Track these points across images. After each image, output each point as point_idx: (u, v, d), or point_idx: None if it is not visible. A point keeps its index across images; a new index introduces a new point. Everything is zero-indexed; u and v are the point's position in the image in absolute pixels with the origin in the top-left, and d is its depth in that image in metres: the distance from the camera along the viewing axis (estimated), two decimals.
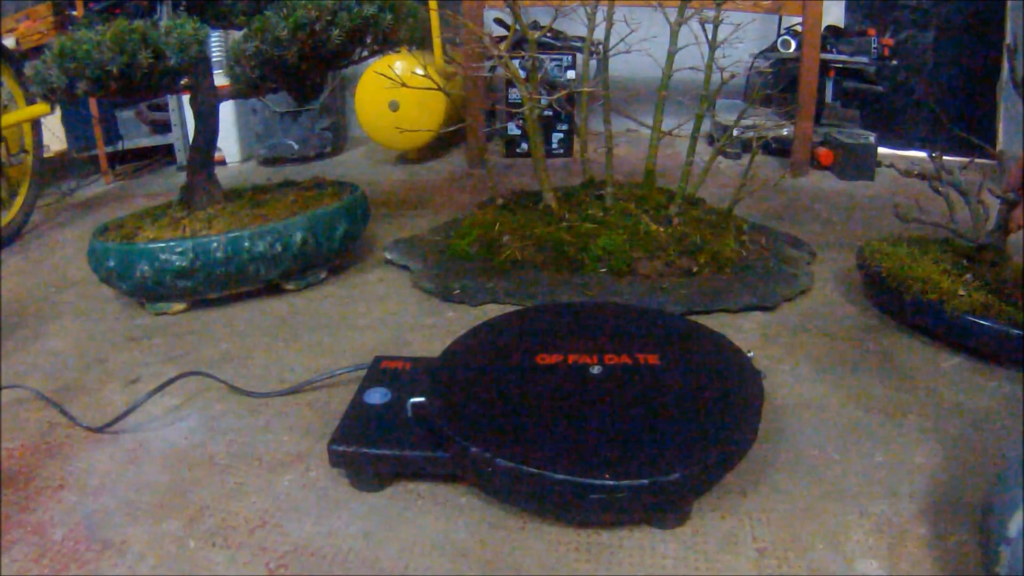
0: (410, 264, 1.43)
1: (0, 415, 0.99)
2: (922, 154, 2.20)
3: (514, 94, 2.24)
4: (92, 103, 2.30)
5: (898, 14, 2.42)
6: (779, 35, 2.34)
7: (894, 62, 2.27)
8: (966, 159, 1.36)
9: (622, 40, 1.41)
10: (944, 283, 1.10)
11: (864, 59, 2.21)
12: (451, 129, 1.97)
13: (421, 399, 0.83)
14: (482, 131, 2.22)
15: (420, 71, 1.50)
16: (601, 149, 1.49)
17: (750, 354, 0.90)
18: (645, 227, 1.36)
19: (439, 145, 2.50)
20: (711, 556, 0.70)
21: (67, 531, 0.77)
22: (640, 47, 1.42)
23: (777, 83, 2.31)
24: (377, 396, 0.87)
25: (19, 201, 1.85)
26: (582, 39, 1.82)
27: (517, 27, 1.41)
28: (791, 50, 2.23)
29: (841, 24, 2.44)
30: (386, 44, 1.37)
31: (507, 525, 0.75)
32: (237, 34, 1.32)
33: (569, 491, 0.70)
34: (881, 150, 2.13)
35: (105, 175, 2.38)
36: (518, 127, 2.30)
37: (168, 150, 2.51)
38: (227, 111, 2.41)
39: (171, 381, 0.99)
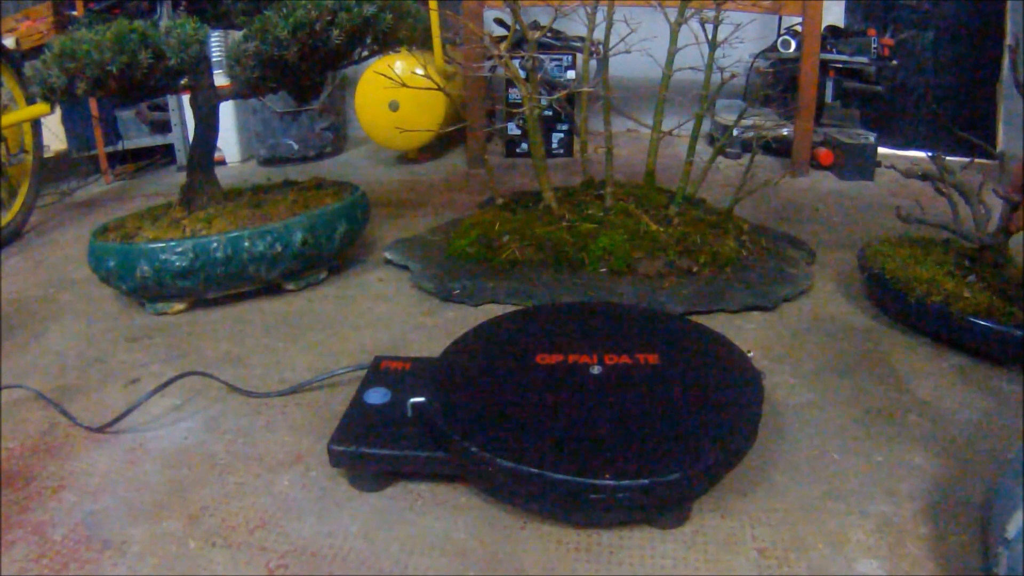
0: (410, 264, 1.43)
1: (0, 415, 0.99)
2: (922, 154, 2.20)
3: (514, 94, 2.24)
4: (92, 103, 2.30)
5: (898, 14, 2.42)
6: (779, 35, 2.34)
7: (894, 62, 2.27)
8: (967, 159, 1.36)
9: (622, 40, 1.41)
10: (948, 284, 1.09)
11: (864, 59, 2.21)
12: (451, 129, 1.97)
13: (421, 399, 0.83)
14: (482, 131, 2.22)
15: (420, 71, 1.50)
16: (601, 149, 1.49)
17: (750, 354, 0.90)
18: (645, 227, 1.36)
19: (439, 145, 2.50)
20: (711, 556, 0.70)
21: (67, 531, 0.77)
22: (640, 47, 1.43)
23: (777, 83, 2.31)
24: (377, 396, 0.87)
25: (19, 201, 1.85)
26: (582, 39, 1.82)
27: (517, 27, 1.41)
28: (791, 50, 2.23)
29: (841, 24, 2.44)
30: (386, 44, 1.37)
31: (507, 525, 0.75)
32: (237, 34, 1.32)
33: (569, 491, 0.70)
34: (881, 150, 2.13)
35: (105, 175, 2.38)
36: (518, 127, 2.30)
37: (168, 150, 2.51)
38: (227, 111, 2.41)
39: (171, 381, 0.99)
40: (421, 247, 1.50)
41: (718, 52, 1.37)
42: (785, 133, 2.18)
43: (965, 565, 0.68)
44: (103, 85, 1.15)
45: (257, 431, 0.93)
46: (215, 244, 1.22)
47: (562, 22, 1.60)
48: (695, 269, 1.31)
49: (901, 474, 0.81)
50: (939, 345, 1.10)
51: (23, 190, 1.87)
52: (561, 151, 2.34)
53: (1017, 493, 0.59)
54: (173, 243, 1.22)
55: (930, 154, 1.28)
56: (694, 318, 1.13)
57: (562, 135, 2.34)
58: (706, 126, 2.41)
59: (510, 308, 1.24)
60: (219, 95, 1.36)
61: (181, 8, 1.34)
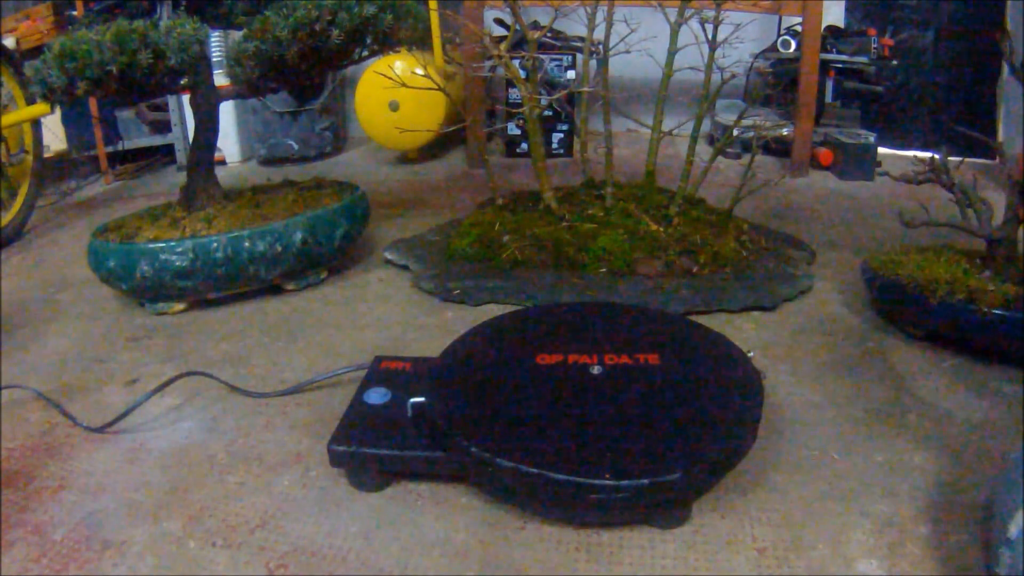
0: (410, 264, 1.43)
1: (0, 415, 0.99)
2: (924, 154, 2.20)
3: (514, 94, 2.24)
4: (92, 103, 2.30)
5: (898, 14, 2.42)
6: (779, 35, 2.34)
7: (894, 62, 2.27)
8: (959, 158, 1.35)
9: (622, 40, 1.41)
10: (971, 281, 1.05)
11: (864, 59, 2.21)
12: (451, 129, 1.97)
13: (421, 399, 0.83)
14: (482, 131, 2.22)
15: (420, 71, 1.50)
16: (601, 149, 1.49)
17: (750, 354, 0.90)
18: (645, 227, 1.37)
19: (439, 145, 2.50)
20: (711, 556, 0.70)
21: (67, 531, 0.77)
22: (640, 47, 1.43)
23: (777, 83, 2.31)
24: (377, 396, 0.87)
25: (19, 201, 1.85)
26: (582, 39, 1.82)
27: (517, 27, 1.41)
28: (791, 50, 2.23)
29: (841, 24, 2.44)
30: (386, 44, 1.37)
31: (507, 525, 0.75)
32: (237, 34, 1.32)
33: (569, 491, 0.70)
34: (882, 150, 2.13)
35: (105, 175, 2.38)
36: (518, 127, 2.30)
37: (168, 150, 2.51)
38: (227, 111, 2.41)
39: (171, 381, 0.99)
40: (421, 247, 1.50)
41: (718, 52, 1.37)
42: (785, 133, 2.18)
43: (965, 565, 0.68)
44: (103, 85, 1.15)
45: (257, 431, 0.93)
46: (215, 244, 1.22)
47: (562, 22, 1.60)
48: (695, 269, 1.31)
49: (901, 474, 0.81)
50: (939, 345, 1.10)
51: (23, 190, 1.87)
52: (561, 151, 2.34)
53: (1018, 493, 0.59)
54: (173, 243, 1.22)
55: (931, 155, 1.26)
56: (694, 318, 1.13)
57: (562, 135, 2.34)
58: (706, 126, 2.40)
59: (510, 308, 1.24)
60: (219, 95, 1.36)
61: (181, 8, 1.34)
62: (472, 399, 0.83)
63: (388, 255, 1.48)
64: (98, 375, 1.09)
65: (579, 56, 2.25)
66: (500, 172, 2.11)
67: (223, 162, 2.50)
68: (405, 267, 1.43)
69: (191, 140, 1.40)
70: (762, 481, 0.80)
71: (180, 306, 1.29)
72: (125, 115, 2.44)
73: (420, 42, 1.47)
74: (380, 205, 1.87)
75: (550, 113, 2.24)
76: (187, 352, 1.15)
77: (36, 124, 1.92)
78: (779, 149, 2.26)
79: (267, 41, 1.23)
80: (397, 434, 0.81)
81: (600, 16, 1.46)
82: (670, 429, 0.76)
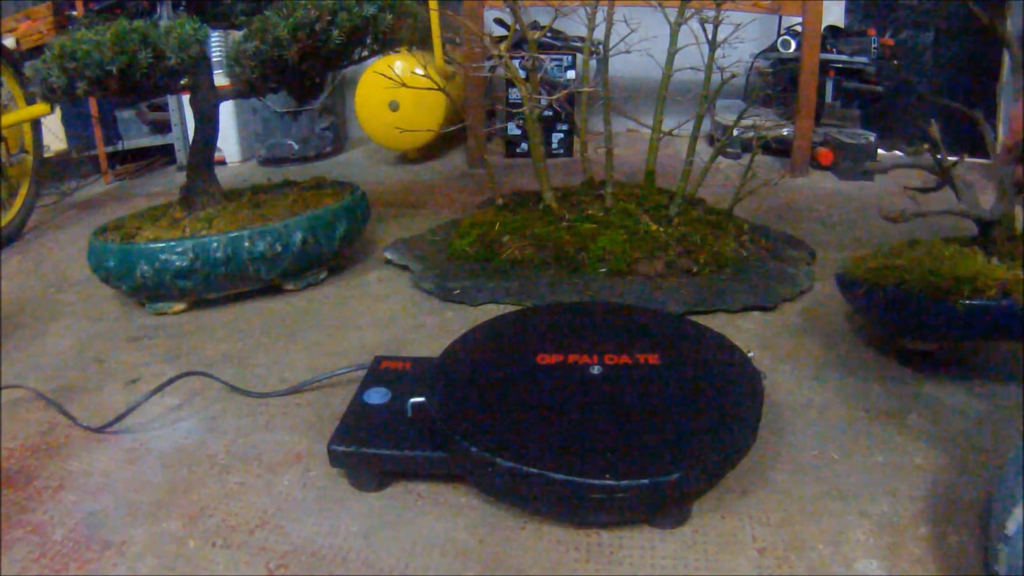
0: (410, 264, 1.43)
1: (0, 415, 0.99)
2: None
3: (514, 94, 2.24)
4: (92, 103, 2.30)
5: (898, 14, 2.42)
6: (779, 35, 2.34)
7: (894, 62, 2.27)
8: (965, 158, 1.34)
9: (622, 40, 1.41)
10: (998, 272, 0.92)
11: (864, 59, 2.21)
12: (451, 129, 1.97)
13: (421, 399, 0.83)
14: (482, 131, 2.22)
15: (420, 71, 1.50)
16: (601, 149, 1.49)
17: (750, 354, 0.90)
18: (645, 227, 1.36)
19: (439, 145, 2.50)
20: (711, 556, 0.70)
21: (67, 531, 0.77)
22: (640, 47, 1.43)
23: (777, 83, 2.31)
24: (377, 396, 0.87)
25: (19, 201, 1.85)
26: (582, 39, 1.82)
27: (517, 27, 1.41)
28: (791, 50, 2.23)
29: (841, 24, 2.44)
30: (386, 44, 1.37)
31: (507, 525, 0.75)
32: (237, 34, 1.32)
33: (569, 491, 0.70)
34: (881, 150, 2.13)
35: (105, 175, 2.38)
36: (518, 127, 2.30)
37: (168, 150, 2.51)
38: (227, 111, 2.41)
39: (171, 381, 0.99)
40: (421, 247, 1.50)
41: (718, 52, 1.37)
42: (785, 133, 2.18)
43: (965, 565, 0.68)
44: (103, 85, 1.15)
45: (257, 431, 0.93)
46: (215, 244, 1.22)
47: (562, 22, 1.60)
48: (695, 269, 1.31)
49: (901, 474, 0.81)
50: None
51: (23, 190, 1.87)
52: (561, 151, 2.34)
53: (1017, 490, 0.59)
54: (173, 243, 1.22)
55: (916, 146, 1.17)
56: (694, 318, 1.13)
57: (562, 135, 2.34)
58: (706, 126, 2.40)
59: (510, 308, 1.24)
60: (219, 95, 1.36)
61: (181, 8, 1.34)
62: (472, 399, 0.83)
63: (388, 255, 1.48)
64: (98, 375, 1.09)
65: (579, 56, 2.25)
66: (500, 172, 2.11)
67: (223, 162, 2.50)
68: (405, 267, 1.43)
69: (191, 140, 1.40)
70: (762, 481, 0.80)
71: (180, 306, 1.29)
72: (125, 115, 2.44)
73: (420, 42, 1.47)
74: (380, 205, 1.87)
75: (550, 113, 2.24)
76: (187, 352, 1.15)
77: (36, 124, 1.92)
78: (779, 149, 2.26)
79: (267, 41, 1.23)
80: (397, 434, 0.81)
81: (600, 16, 1.46)
82: (670, 429, 0.76)
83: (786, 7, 2.08)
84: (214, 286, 1.27)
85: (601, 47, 1.46)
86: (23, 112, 1.82)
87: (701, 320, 1.14)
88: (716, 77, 1.38)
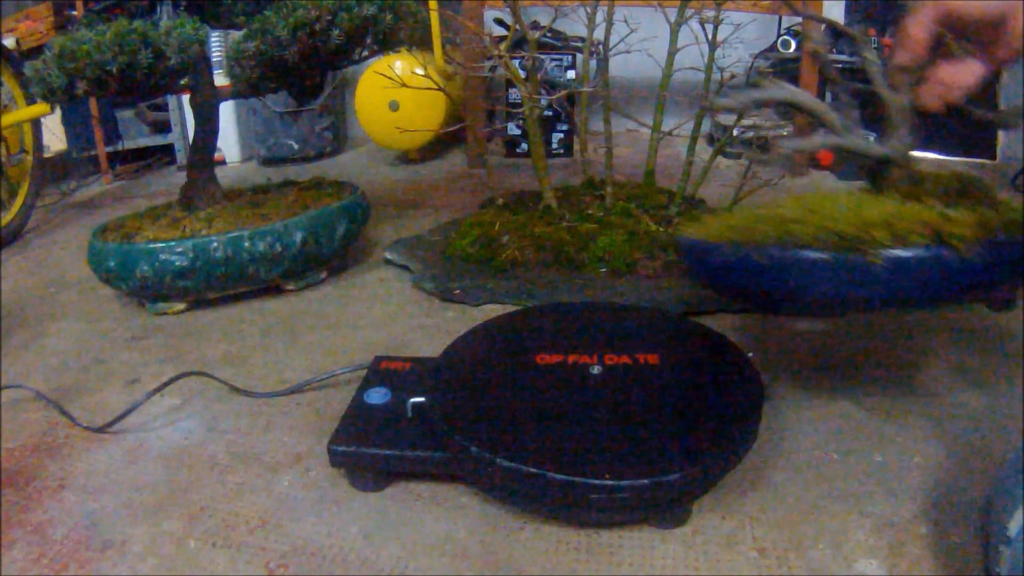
0: (410, 264, 1.43)
1: (0, 415, 0.99)
2: (925, 154, 2.19)
3: (514, 94, 2.24)
4: (92, 103, 2.30)
5: (898, 14, 2.42)
6: (779, 35, 2.34)
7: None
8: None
9: (622, 40, 1.41)
10: (924, 215, 0.69)
11: None
12: (451, 129, 1.97)
13: (421, 399, 0.83)
14: (482, 131, 2.22)
15: (420, 71, 1.50)
16: (601, 149, 1.49)
17: (750, 354, 0.90)
18: (645, 227, 1.36)
19: (439, 145, 2.50)
20: (711, 556, 0.70)
21: (67, 531, 0.77)
22: (640, 47, 1.43)
23: None
24: (377, 396, 0.87)
25: (19, 201, 1.85)
26: (582, 39, 1.82)
27: (517, 27, 1.41)
28: (791, 50, 2.23)
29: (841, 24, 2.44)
30: (386, 44, 1.37)
31: (507, 525, 0.75)
32: (237, 34, 1.32)
33: (569, 491, 0.70)
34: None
35: (105, 175, 2.38)
36: (518, 127, 2.30)
37: (168, 150, 2.51)
38: (227, 111, 2.41)
39: (171, 381, 0.99)
40: (421, 247, 1.50)
41: (718, 52, 1.37)
42: (785, 133, 2.18)
43: (965, 565, 0.68)
44: (103, 85, 1.15)
45: (257, 431, 0.93)
46: (215, 244, 1.22)
47: (562, 22, 1.60)
48: None
49: (901, 474, 0.81)
50: (939, 344, 1.09)
51: (23, 190, 1.87)
52: (561, 151, 2.34)
53: (1018, 491, 0.59)
54: (173, 243, 1.22)
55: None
56: (694, 318, 1.13)
57: (562, 135, 2.34)
58: (706, 126, 2.41)
59: (510, 308, 1.24)
60: (219, 95, 1.36)
61: (181, 8, 1.34)
62: (472, 399, 0.83)
63: (388, 255, 1.48)
64: (98, 375, 1.09)
65: (579, 56, 2.25)
66: (500, 172, 2.11)
67: (223, 162, 2.50)
68: (405, 267, 1.43)
69: (191, 140, 1.40)
70: (762, 481, 0.80)
71: (180, 306, 1.29)
72: (125, 115, 2.44)
73: (420, 42, 1.47)
74: (380, 205, 1.87)
75: (550, 113, 2.24)
76: (187, 352, 1.15)
77: (36, 124, 1.92)
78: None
79: (267, 41, 1.23)
80: (397, 434, 0.81)
81: (600, 16, 1.46)
82: (670, 429, 0.76)
83: (786, 7, 2.08)
84: (214, 286, 1.27)
85: (601, 47, 1.46)
86: (23, 112, 1.82)
87: (701, 320, 1.14)
88: (716, 77, 1.38)
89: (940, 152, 2.26)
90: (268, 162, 2.48)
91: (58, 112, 2.23)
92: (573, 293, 1.26)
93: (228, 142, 2.49)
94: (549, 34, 2.12)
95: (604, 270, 1.32)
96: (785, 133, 2.17)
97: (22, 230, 1.84)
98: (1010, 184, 1.84)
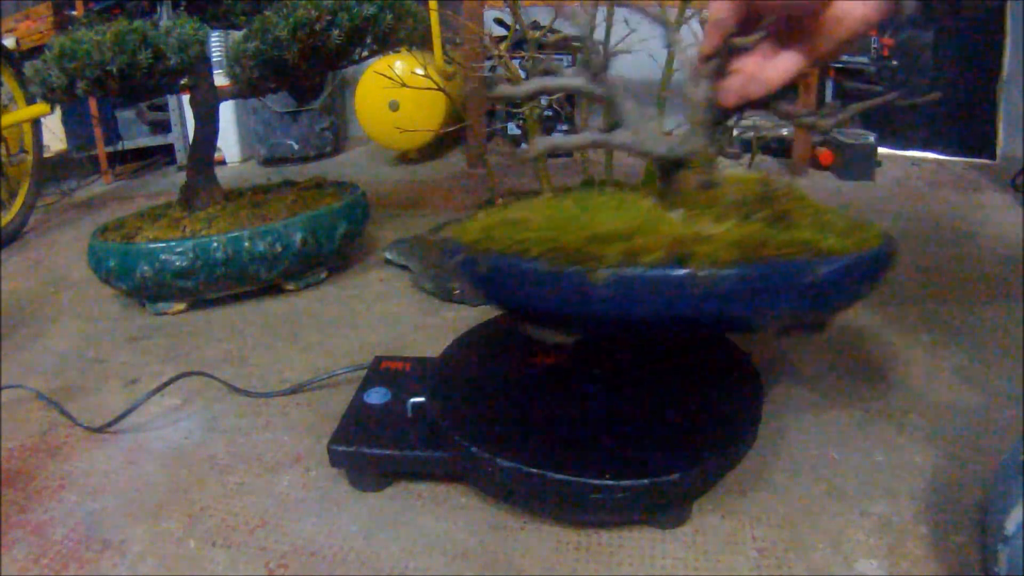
0: (410, 264, 1.43)
1: (0, 415, 0.99)
2: (924, 154, 2.20)
3: None
4: (92, 103, 2.30)
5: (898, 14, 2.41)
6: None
7: (894, 62, 2.27)
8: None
9: (622, 40, 1.41)
10: (669, 228, 0.59)
11: (864, 59, 2.22)
12: (451, 129, 1.97)
13: (421, 399, 0.83)
14: (482, 131, 2.22)
15: (420, 71, 1.50)
16: (601, 149, 1.49)
17: (750, 355, 0.90)
18: None
19: (439, 145, 2.50)
20: (711, 556, 0.70)
21: (67, 531, 0.77)
22: (640, 47, 1.42)
23: None
24: (377, 396, 0.87)
25: (19, 201, 1.85)
26: (580, 39, 1.82)
27: (517, 27, 1.41)
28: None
29: None
30: (386, 44, 1.37)
31: (507, 525, 0.75)
32: (237, 34, 1.32)
33: (569, 491, 0.70)
34: (881, 150, 2.13)
35: (105, 175, 2.38)
36: (518, 127, 2.30)
37: (168, 150, 2.51)
38: (227, 111, 2.41)
39: (171, 381, 0.99)
40: (421, 247, 1.50)
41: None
42: (785, 133, 2.18)
43: (965, 565, 0.68)
44: (103, 85, 1.15)
45: (257, 431, 0.93)
46: (215, 244, 1.22)
47: (562, 22, 1.60)
48: None
49: (901, 474, 0.81)
50: (939, 344, 1.09)
51: (23, 190, 1.87)
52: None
53: (1015, 490, 0.59)
54: (173, 243, 1.22)
55: None
56: None
57: (562, 135, 2.34)
58: None
59: None
60: (219, 95, 1.36)
61: (181, 8, 1.34)
62: (472, 399, 0.83)
63: (388, 255, 1.48)
64: (98, 375, 1.09)
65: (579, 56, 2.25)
66: (500, 172, 2.11)
67: (223, 162, 2.50)
68: (405, 267, 1.43)
69: (191, 140, 1.40)
70: (762, 481, 0.80)
71: (180, 306, 1.29)
72: (125, 115, 2.44)
73: (420, 42, 1.47)
74: (380, 205, 1.88)
75: (550, 113, 2.24)
76: (187, 352, 1.15)
77: (36, 124, 1.92)
78: (779, 149, 2.26)
79: (267, 41, 1.23)
80: (397, 434, 0.81)
81: (600, 16, 1.46)
82: (670, 429, 0.76)
83: None
84: (214, 286, 1.27)
85: (601, 47, 1.46)
86: (23, 112, 1.82)
87: None
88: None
89: (940, 152, 2.27)
90: (268, 162, 2.48)
91: (58, 112, 2.23)
92: None
93: (228, 142, 2.49)
94: (550, 35, 2.12)
95: None
96: (785, 132, 2.17)
97: (22, 230, 1.84)
98: (1010, 184, 1.84)
